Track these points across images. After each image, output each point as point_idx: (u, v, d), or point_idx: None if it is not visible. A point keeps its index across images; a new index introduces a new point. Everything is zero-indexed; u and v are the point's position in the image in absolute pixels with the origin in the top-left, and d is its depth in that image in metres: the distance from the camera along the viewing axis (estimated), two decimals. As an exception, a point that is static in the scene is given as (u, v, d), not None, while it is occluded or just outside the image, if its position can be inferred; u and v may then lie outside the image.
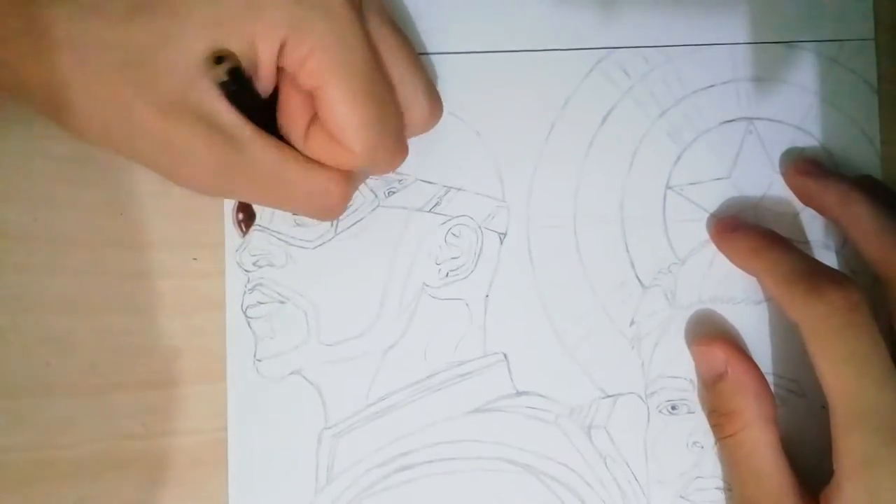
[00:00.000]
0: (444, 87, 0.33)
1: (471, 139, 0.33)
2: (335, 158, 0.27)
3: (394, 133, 0.28)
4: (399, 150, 0.29)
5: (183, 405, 0.32)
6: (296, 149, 0.28)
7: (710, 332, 0.33)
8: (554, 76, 0.33)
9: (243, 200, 0.32)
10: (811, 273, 0.29)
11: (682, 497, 0.33)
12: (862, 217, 0.30)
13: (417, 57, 0.29)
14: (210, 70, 0.25)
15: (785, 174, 0.33)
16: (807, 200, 0.33)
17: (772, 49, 0.34)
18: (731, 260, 0.33)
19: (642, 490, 0.33)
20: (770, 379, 0.33)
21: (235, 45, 0.25)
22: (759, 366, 0.33)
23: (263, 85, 0.27)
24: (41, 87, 0.26)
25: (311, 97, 0.27)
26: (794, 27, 0.34)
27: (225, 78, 0.26)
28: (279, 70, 0.27)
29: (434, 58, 0.33)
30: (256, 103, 0.27)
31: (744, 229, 0.32)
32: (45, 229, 0.32)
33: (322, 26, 0.26)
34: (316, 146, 0.27)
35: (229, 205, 0.33)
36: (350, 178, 0.28)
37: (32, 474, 0.31)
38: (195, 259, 0.32)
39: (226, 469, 0.32)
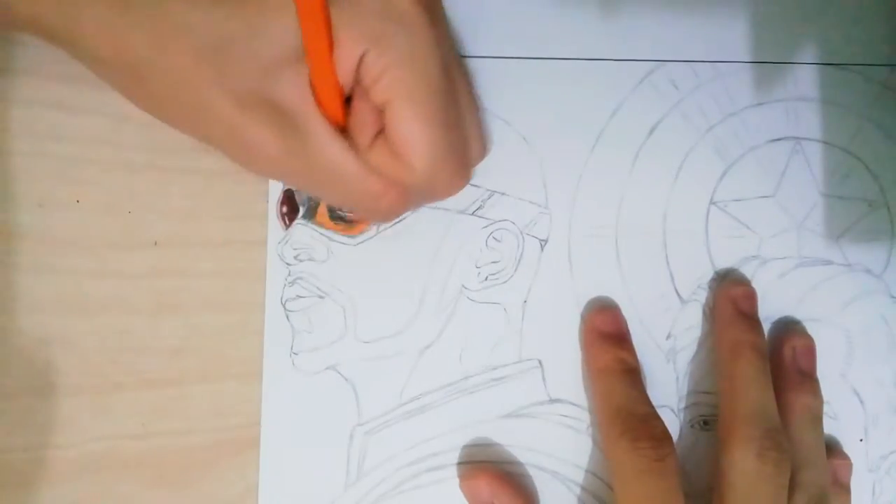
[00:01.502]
0: (494, 91, 0.33)
1: (517, 144, 0.33)
2: (395, 173, 0.27)
3: (456, 158, 0.28)
4: (460, 175, 0.29)
5: (183, 405, 0.32)
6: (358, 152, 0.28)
7: (475, 466, 0.32)
8: (603, 85, 0.33)
9: (300, 189, 0.32)
10: (634, 416, 0.30)
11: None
12: (737, 374, 0.31)
13: (475, 96, 0.31)
14: (299, 62, 0.26)
15: (719, 287, 0.33)
16: (714, 324, 0.33)
17: (822, 70, 0.34)
18: (585, 363, 0.33)
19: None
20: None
21: None
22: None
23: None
24: (117, 65, 0.26)
25: (380, 111, 0.27)
26: (845, 50, 0.34)
27: None
28: (356, 80, 0.27)
29: (485, 61, 0.33)
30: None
31: (604, 345, 0.32)
32: (47, 229, 0.32)
33: (402, 43, 0.26)
34: (379, 158, 0.27)
35: (274, 196, 0.33)
36: (405, 194, 0.28)
37: (32, 474, 0.31)
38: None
39: (224, 469, 0.32)
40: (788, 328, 0.33)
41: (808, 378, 0.32)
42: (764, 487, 0.29)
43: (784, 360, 0.32)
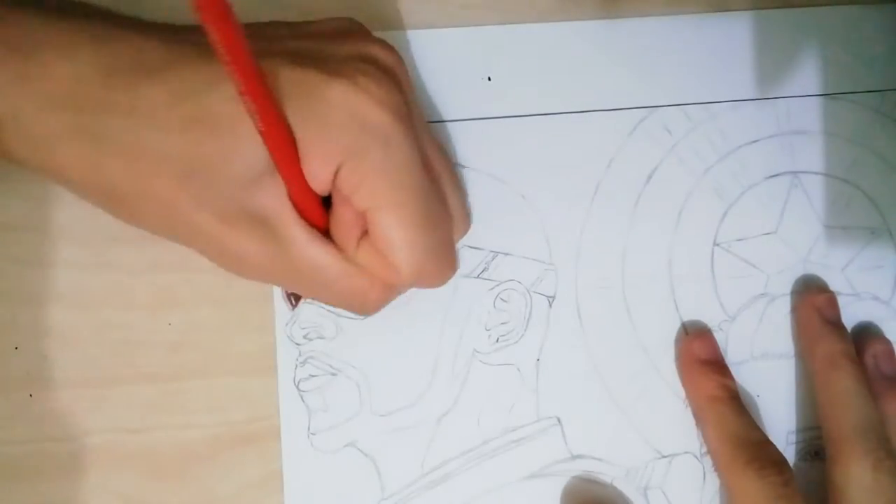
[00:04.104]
0: (489, 151, 0.33)
1: (516, 203, 0.33)
2: (383, 273, 0.28)
3: (442, 255, 0.29)
4: (447, 268, 0.30)
5: (181, 400, 0.32)
6: (341, 253, 0.28)
7: None
8: (597, 137, 0.33)
9: (289, 290, 0.32)
10: (753, 444, 0.30)
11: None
12: (839, 388, 0.31)
13: (455, 172, 0.31)
14: (275, 174, 0.26)
15: (800, 298, 0.33)
16: (800, 335, 0.33)
17: (814, 102, 0.34)
18: (685, 389, 0.33)
19: (700, 548, 0.32)
20: (813, 433, 0.33)
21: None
22: (806, 420, 0.33)
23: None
24: (95, 190, 0.26)
25: (363, 214, 0.27)
26: (835, 79, 0.34)
27: None
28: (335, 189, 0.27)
29: (479, 123, 0.33)
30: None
31: (707, 372, 0.32)
32: (46, 222, 0.32)
33: (376, 155, 0.26)
34: (366, 259, 0.28)
35: (277, 279, 0.32)
36: (391, 287, 0.29)
37: (29, 467, 0.31)
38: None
39: (222, 464, 0.32)
40: (864, 334, 0.33)
41: (895, 381, 0.32)
42: (884, 499, 0.29)
43: (867, 367, 0.32)
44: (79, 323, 0.32)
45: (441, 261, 0.29)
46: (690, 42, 0.34)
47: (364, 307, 0.29)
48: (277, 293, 0.32)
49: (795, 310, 0.33)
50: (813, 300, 0.33)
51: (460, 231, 0.31)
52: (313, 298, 0.32)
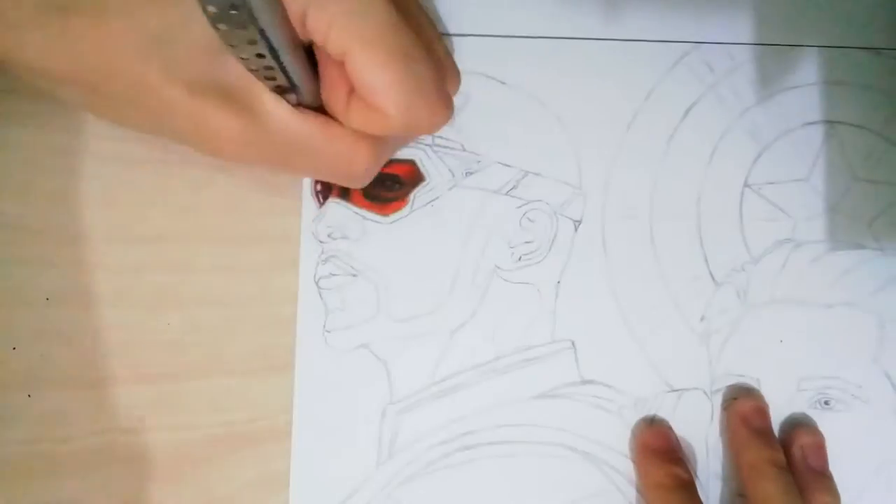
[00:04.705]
0: (528, 70, 0.33)
1: (552, 124, 0.33)
2: (375, 125, 0.26)
3: (429, 90, 0.26)
4: (438, 107, 0.27)
5: (181, 400, 0.32)
6: (321, 117, 0.27)
7: None
8: (639, 67, 0.33)
9: (272, 168, 0.31)
10: None
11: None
12: (764, 494, 0.30)
13: (437, 30, 0.30)
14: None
15: (726, 404, 0.33)
16: (728, 443, 0.33)
17: (857, 54, 0.34)
18: (638, 479, 0.32)
19: (700, 485, 0.32)
20: (836, 383, 0.33)
21: None
22: (826, 369, 0.33)
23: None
24: (67, 77, 0.26)
25: (343, 66, 0.26)
26: (881, 34, 0.34)
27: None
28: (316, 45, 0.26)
29: (519, 41, 0.33)
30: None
31: (655, 461, 0.32)
32: (43, 222, 0.32)
33: None
34: (356, 116, 0.27)
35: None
36: (377, 146, 0.28)
37: (28, 467, 0.31)
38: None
39: (221, 464, 0.32)
40: (796, 426, 0.33)
41: (821, 476, 0.32)
42: None
43: (794, 460, 0.32)
44: (79, 323, 0.32)
45: (431, 97, 0.26)
46: (740, -16, 0.34)
47: (353, 172, 0.28)
48: (306, 189, 0.33)
49: (725, 416, 0.33)
50: (740, 409, 0.32)
51: (453, 84, 0.30)
52: (300, 173, 0.31)
